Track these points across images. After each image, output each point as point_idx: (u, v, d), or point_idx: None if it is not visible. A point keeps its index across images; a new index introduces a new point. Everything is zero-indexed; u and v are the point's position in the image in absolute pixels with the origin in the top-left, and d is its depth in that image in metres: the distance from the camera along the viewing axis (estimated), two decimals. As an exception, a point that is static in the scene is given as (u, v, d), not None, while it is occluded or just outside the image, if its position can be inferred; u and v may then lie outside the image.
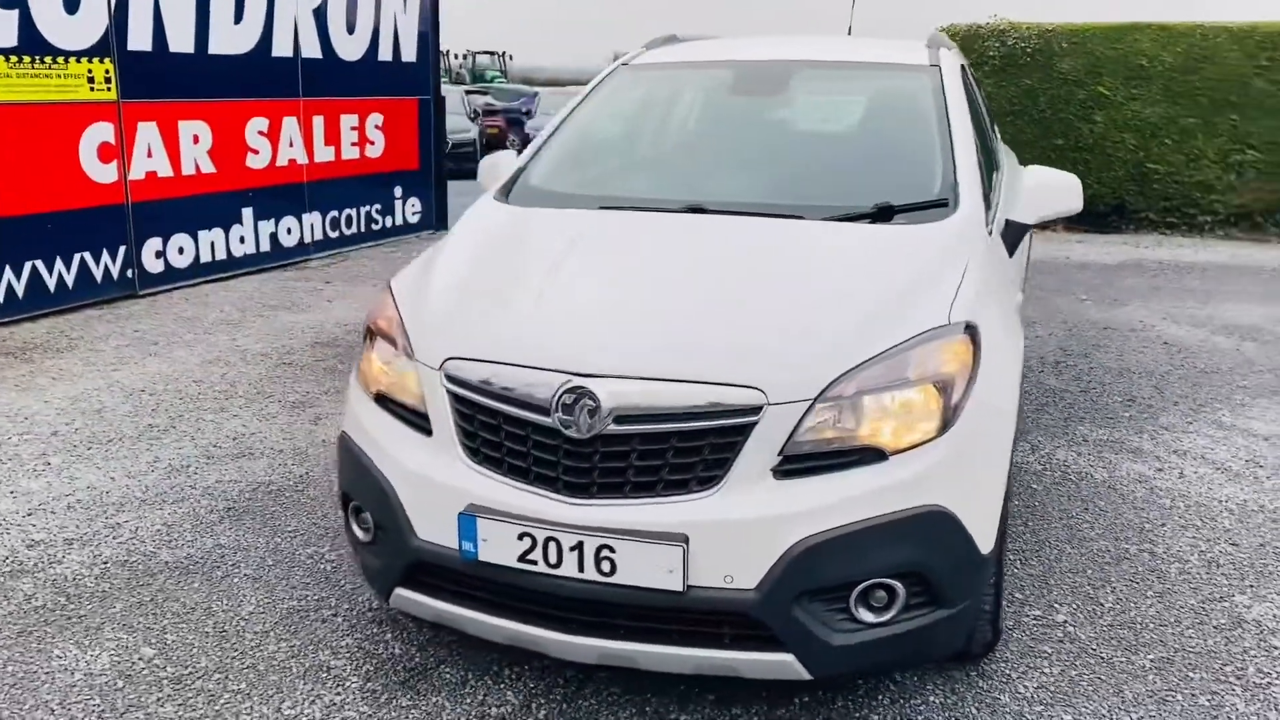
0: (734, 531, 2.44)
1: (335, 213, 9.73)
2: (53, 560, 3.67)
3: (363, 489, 2.86)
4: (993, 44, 12.38)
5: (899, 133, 3.66)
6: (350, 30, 9.61)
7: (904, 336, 2.59)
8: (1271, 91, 11.37)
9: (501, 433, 2.61)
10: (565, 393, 2.51)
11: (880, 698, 2.90)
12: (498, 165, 4.03)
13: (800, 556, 2.41)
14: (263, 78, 8.66)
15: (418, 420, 2.79)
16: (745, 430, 2.45)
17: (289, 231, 9.17)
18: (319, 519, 4.03)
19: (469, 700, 2.89)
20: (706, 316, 2.70)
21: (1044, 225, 5.03)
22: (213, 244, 8.37)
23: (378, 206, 10.32)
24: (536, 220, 3.44)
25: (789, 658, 2.48)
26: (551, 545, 2.49)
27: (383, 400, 2.91)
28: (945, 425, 2.55)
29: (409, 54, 10.49)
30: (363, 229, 10.13)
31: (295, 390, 5.60)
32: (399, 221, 10.68)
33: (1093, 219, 11.83)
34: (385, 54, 10.13)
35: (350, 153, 9.78)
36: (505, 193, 3.71)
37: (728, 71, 4.13)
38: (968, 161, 3.41)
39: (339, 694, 2.92)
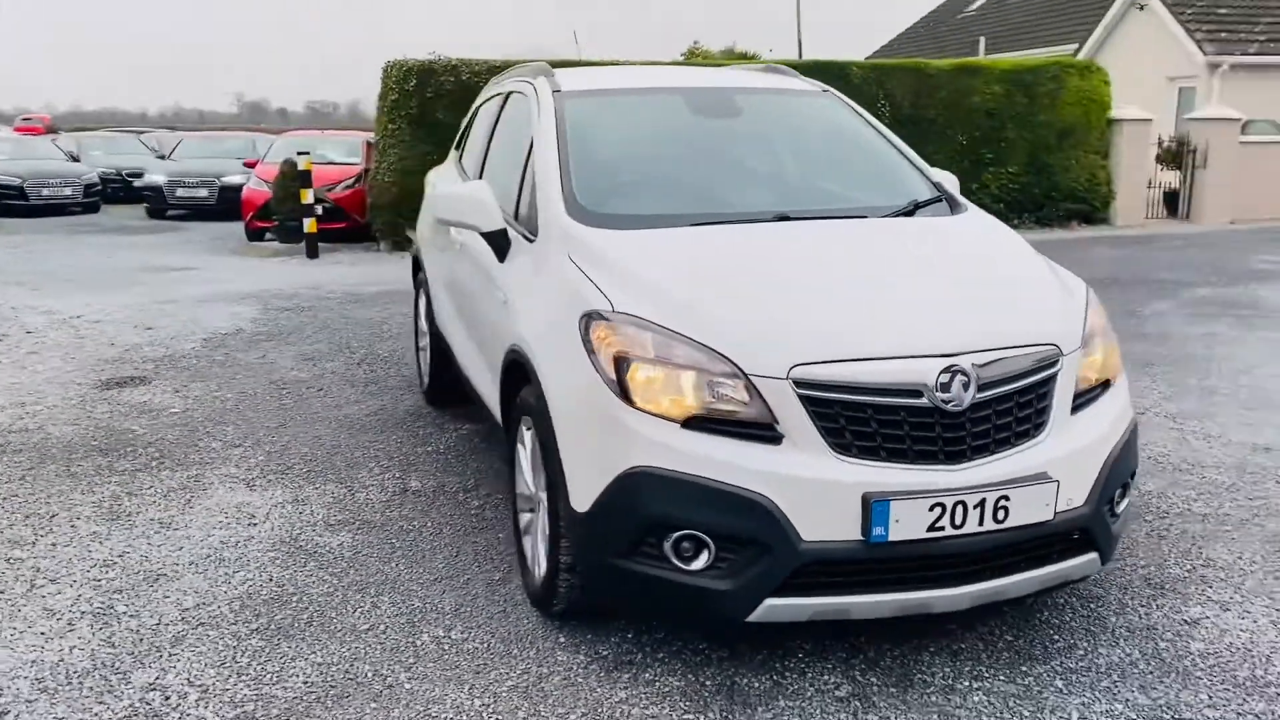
0: (1074, 461, 3.02)
1: None
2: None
3: (708, 513, 2.82)
4: (448, 79, 13.17)
5: (860, 144, 4.33)
6: None
7: (1081, 297, 3.38)
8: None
9: (872, 422, 2.84)
10: (943, 373, 2.86)
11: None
12: (482, 200, 3.86)
13: (1109, 471, 3.09)
14: None
15: (758, 431, 2.85)
16: (1053, 380, 3.05)
17: None
18: (334, 624, 3.52)
19: (806, 693, 3.02)
20: (975, 294, 3.22)
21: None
22: None
23: None
24: (684, 239, 3.48)
25: (1094, 555, 3.14)
26: (959, 509, 2.83)
27: (696, 422, 2.87)
28: (1118, 359, 3.40)
29: None
30: None
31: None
32: None
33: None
34: None
35: None
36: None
37: (677, 97, 4.39)
38: (924, 164, 4.25)
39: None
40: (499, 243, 3.90)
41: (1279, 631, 3.32)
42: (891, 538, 2.79)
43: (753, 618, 2.88)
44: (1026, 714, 2.89)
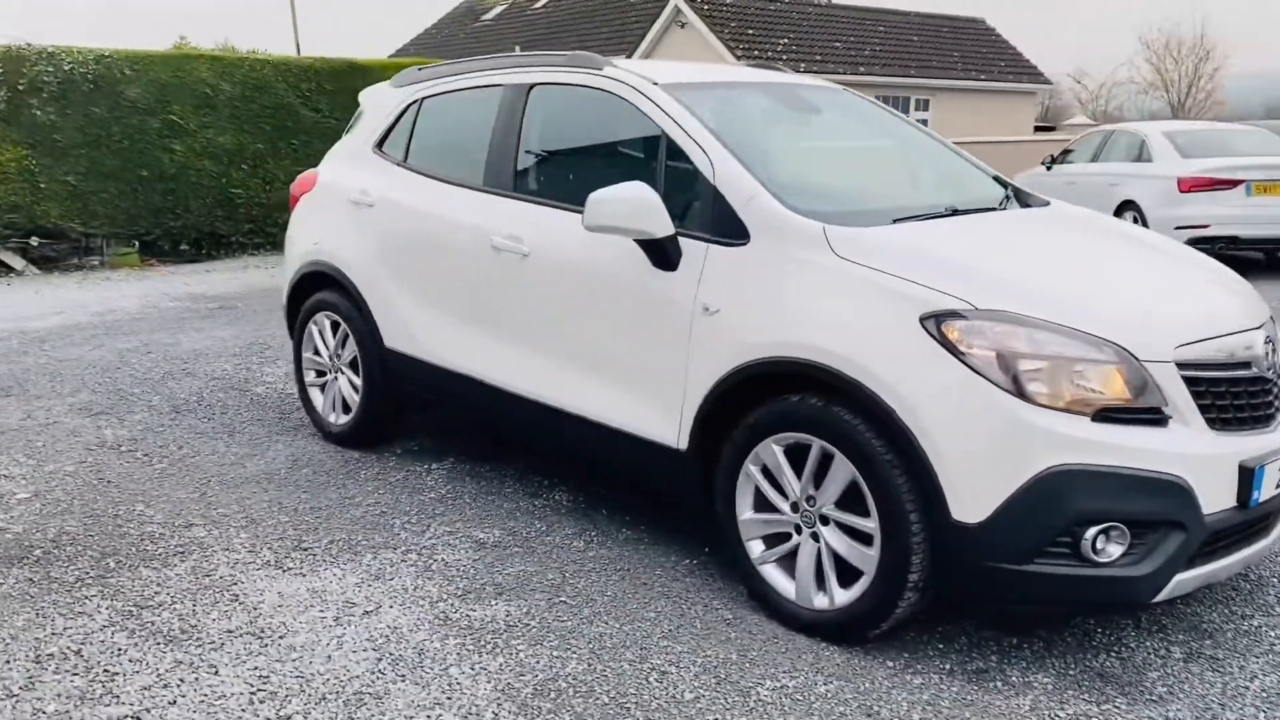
0: None
1: None
2: None
3: (1131, 501, 2.87)
4: (45, 68, 10.99)
5: (918, 138, 4.50)
6: None
7: None
8: (315, 118, 12.78)
9: (1226, 395, 3.07)
10: (1264, 343, 3.18)
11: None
12: (645, 200, 3.47)
13: None
14: None
15: (1146, 415, 2.94)
16: None
17: None
18: (648, 697, 3.06)
19: (1155, 663, 3.20)
20: (1211, 274, 3.62)
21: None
22: None
23: None
24: (937, 232, 3.51)
25: None
26: None
27: (1100, 413, 2.89)
28: None
29: None
30: None
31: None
32: None
33: (186, 251, 12.03)
34: None
35: None
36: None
37: (758, 92, 4.19)
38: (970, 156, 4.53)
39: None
40: (668, 250, 3.53)
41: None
42: (1261, 499, 3.05)
43: (1160, 597, 2.97)
44: (1312, 636, 3.33)
